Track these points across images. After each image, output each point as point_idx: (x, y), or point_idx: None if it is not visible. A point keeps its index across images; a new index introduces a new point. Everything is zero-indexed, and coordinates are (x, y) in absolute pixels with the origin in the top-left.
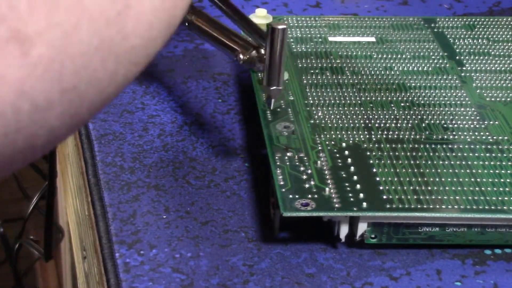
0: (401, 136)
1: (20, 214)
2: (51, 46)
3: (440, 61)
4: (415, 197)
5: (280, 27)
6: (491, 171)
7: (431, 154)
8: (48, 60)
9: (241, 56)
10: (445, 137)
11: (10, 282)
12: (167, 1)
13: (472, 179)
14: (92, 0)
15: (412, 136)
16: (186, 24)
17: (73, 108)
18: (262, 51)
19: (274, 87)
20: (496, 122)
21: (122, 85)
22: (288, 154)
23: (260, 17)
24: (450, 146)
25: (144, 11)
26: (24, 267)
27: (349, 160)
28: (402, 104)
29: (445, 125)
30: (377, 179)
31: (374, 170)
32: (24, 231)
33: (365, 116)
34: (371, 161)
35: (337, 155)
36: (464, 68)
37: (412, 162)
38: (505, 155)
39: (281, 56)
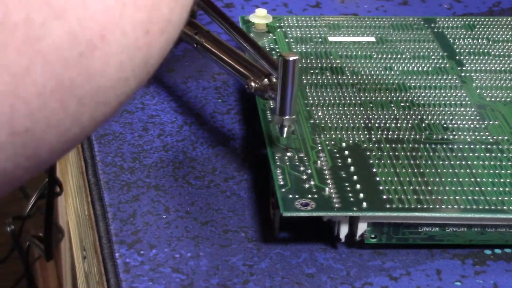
0: (401, 136)
1: (20, 213)
2: None
3: (440, 61)
4: (415, 197)
5: (291, 58)
6: (491, 171)
7: (431, 154)
8: None
9: (253, 84)
10: (445, 137)
11: (9, 283)
12: (140, 40)
13: (472, 179)
14: (47, 41)
15: (412, 136)
16: (195, 45)
17: (29, 150)
18: (274, 79)
19: (287, 117)
20: (496, 122)
21: (91, 125)
22: (288, 154)
23: (260, 17)
24: (450, 146)
25: (112, 51)
26: (29, 265)
27: (349, 160)
28: (402, 104)
29: (445, 125)
30: (377, 179)
31: (374, 170)
32: (23, 230)
33: (365, 116)
34: (371, 161)
35: (337, 155)
36: (464, 68)
37: (412, 162)
38: (505, 155)
39: (293, 86)
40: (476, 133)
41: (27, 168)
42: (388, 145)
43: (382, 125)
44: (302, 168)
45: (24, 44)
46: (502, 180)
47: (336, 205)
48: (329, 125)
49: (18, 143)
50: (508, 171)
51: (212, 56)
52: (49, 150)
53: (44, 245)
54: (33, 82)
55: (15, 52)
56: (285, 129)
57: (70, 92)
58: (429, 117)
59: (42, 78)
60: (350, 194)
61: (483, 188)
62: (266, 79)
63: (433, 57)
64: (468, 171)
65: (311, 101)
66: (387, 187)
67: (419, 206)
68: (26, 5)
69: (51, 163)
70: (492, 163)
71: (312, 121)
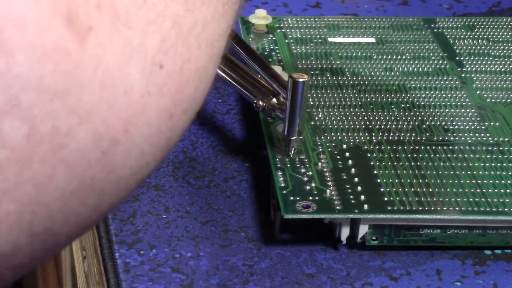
0: (401, 138)
1: None
2: (19, 202)
3: (440, 61)
4: (416, 199)
5: (301, 80)
6: (492, 172)
7: (432, 155)
8: (15, 214)
9: (261, 103)
10: (446, 138)
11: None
12: (163, 125)
13: (473, 181)
14: (71, 147)
15: (412, 138)
16: None
17: (47, 245)
18: (282, 99)
19: (295, 137)
20: (497, 123)
21: (110, 209)
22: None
23: (260, 17)
24: (450, 147)
25: (135, 143)
26: None
27: (350, 161)
28: (402, 105)
29: (445, 127)
30: (378, 181)
31: (375, 172)
32: None
33: (366, 118)
34: (371, 163)
35: (338, 157)
36: (464, 69)
37: (413, 163)
38: (506, 156)
39: (302, 108)
40: (477, 135)
41: (44, 258)
42: (389, 147)
43: (382, 126)
44: (303, 170)
45: (49, 154)
46: (503, 181)
47: (337, 207)
48: (330, 126)
49: (37, 242)
50: (509, 173)
51: (218, 72)
52: (67, 239)
53: None
54: (55, 188)
55: (39, 163)
56: (293, 150)
57: (91, 188)
58: (430, 118)
59: (64, 183)
60: (351, 196)
61: (484, 190)
62: (274, 99)
63: (433, 58)
64: (469, 172)
65: (312, 103)
66: (388, 189)
67: (420, 208)
68: (52, 116)
69: (67, 245)
70: (493, 164)
71: (312, 123)
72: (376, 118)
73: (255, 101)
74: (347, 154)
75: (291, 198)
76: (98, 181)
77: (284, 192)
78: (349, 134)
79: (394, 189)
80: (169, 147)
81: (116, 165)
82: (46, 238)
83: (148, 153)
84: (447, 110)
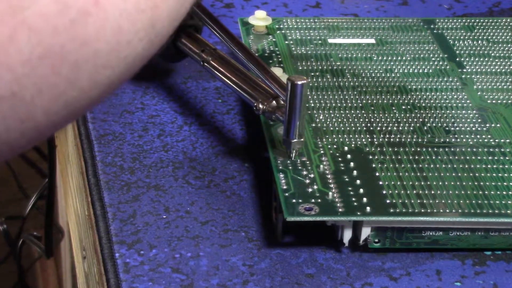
0: (403, 140)
1: (20, 213)
2: None
3: (441, 63)
4: (418, 201)
5: (299, 82)
6: (494, 174)
7: (434, 157)
8: None
9: (261, 106)
10: (447, 140)
11: (10, 282)
12: (142, 2)
13: (475, 183)
14: (33, 10)
15: (414, 140)
16: (202, 63)
17: (20, 113)
18: (282, 101)
19: (295, 140)
20: (498, 125)
21: (94, 88)
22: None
23: (259, 19)
24: (452, 149)
25: (109, 16)
26: (24, 267)
27: (352, 164)
28: (403, 107)
29: (447, 128)
30: (380, 183)
31: (377, 174)
32: (23, 229)
33: (367, 119)
34: (373, 165)
35: (340, 159)
36: (464, 70)
37: (414, 165)
38: (507, 158)
39: (301, 110)
40: (478, 136)
41: (23, 132)
42: (390, 149)
43: (384, 128)
44: (304, 172)
45: (6, 14)
46: (505, 183)
47: (340, 210)
48: (331, 128)
49: (5, 106)
50: (511, 174)
51: (219, 75)
52: (45, 113)
53: (44, 242)
54: (17, 50)
55: None
56: (293, 152)
57: (62, 57)
58: (431, 120)
59: (28, 46)
60: (353, 199)
61: (486, 192)
62: (274, 101)
63: (433, 59)
64: (471, 174)
65: (312, 104)
66: (390, 191)
67: (422, 210)
68: None
69: (54, 128)
70: (494, 166)
71: (313, 125)
72: (377, 120)
73: (255, 104)
74: (348, 156)
75: (293, 200)
76: (68, 50)
77: (286, 194)
78: (350, 136)
79: (396, 191)
80: (155, 30)
81: (88, 37)
82: (16, 105)
83: (127, 31)
84: (448, 111)
